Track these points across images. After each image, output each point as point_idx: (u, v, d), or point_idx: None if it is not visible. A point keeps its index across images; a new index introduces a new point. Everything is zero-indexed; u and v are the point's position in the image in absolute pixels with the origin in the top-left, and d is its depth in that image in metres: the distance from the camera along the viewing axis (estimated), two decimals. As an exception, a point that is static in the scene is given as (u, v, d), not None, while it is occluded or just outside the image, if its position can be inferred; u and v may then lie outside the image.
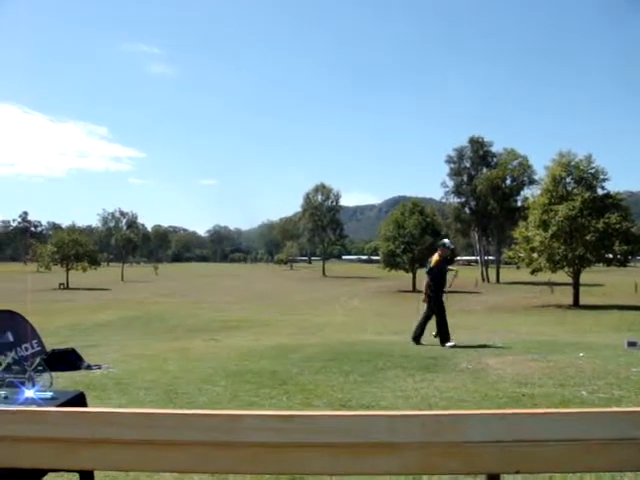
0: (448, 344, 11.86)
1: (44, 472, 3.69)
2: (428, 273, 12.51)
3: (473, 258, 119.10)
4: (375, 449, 2.41)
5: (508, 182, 73.76)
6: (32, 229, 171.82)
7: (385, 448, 2.40)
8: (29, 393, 3.60)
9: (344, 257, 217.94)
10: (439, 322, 12.17)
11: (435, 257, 12.60)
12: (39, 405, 3.32)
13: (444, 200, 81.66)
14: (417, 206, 64.30)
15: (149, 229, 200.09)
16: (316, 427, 2.41)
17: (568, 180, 37.65)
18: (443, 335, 12.08)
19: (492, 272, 77.18)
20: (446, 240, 13.53)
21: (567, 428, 2.39)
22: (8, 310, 10.96)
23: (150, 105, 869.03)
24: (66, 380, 8.70)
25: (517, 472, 2.49)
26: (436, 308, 12.15)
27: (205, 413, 2.59)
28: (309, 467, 2.51)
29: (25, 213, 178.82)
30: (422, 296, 12.64)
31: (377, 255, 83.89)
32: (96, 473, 4.16)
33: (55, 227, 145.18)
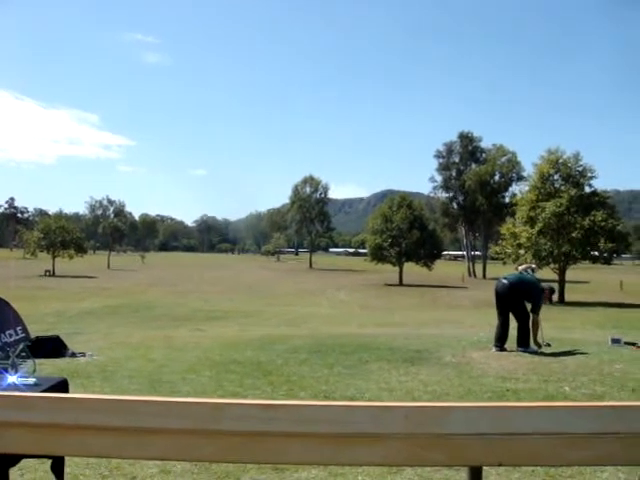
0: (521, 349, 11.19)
1: (19, 457, 3.69)
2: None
3: (460, 253, 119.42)
4: (358, 440, 2.40)
5: (497, 178, 73.92)
6: (19, 215, 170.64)
7: (368, 439, 2.40)
8: (12, 379, 3.58)
9: (331, 250, 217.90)
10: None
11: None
12: (22, 391, 3.29)
13: (432, 194, 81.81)
14: (405, 200, 64.29)
15: (137, 217, 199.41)
16: (299, 417, 2.41)
17: (556, 177, 37.83)
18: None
19: (479, 267, 77.49)
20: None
21: (550, 421, 2.40)
22: (-8, 296, 10.88)
23: (141, 93, 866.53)
24: (50, 367, 8.67)
25: (499, 464, 2.49)
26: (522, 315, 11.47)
27: (189, 401, 2.58)
28: (292, 456, 2.51)
29: (12, 199, 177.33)
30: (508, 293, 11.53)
31: (364, 248, 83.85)
32: (79, 459, 4.16)
33: (42, 213, 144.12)
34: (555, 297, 12.87)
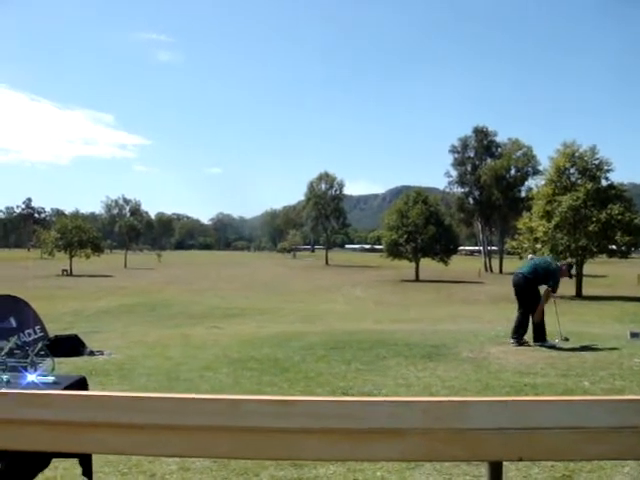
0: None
1: (48, 460, 3.73)
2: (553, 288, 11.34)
3: (476, 248, 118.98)
4: (376, 435, 2.39)
5: (512, 172, 73.47)
6: (36, 215, 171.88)
7: (386, 434, 2.39)
8: (31, 377, 3.60)
9: (347, 246, 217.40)
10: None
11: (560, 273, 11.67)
12: (41, 389, 3.31)
13: (448, 190, 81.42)
14: (421, 195, 64.09)
15: (153, 216, 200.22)
16: (317, 412, 2.40)
17: (572, 171, 37.56)
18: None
19: (495, 262, 77.10)
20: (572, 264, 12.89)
21: (570, 416, 2.38)
22: (11, 296, 10.98)
23: (156, 92, 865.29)
24: (69, 366, 8.71)
25: (520, 459, 2.48)
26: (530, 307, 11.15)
27: (206, 398, 2.59)
28: (310, 452, 2.51)
29: (29, 199, 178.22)
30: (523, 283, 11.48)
31: (380, 244, 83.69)
32: (98, 457, 4.17)
33: (59, 214, 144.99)
34: (574, 271, 12.70)
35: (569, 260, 13.15)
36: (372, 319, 21.85)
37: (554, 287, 11.21)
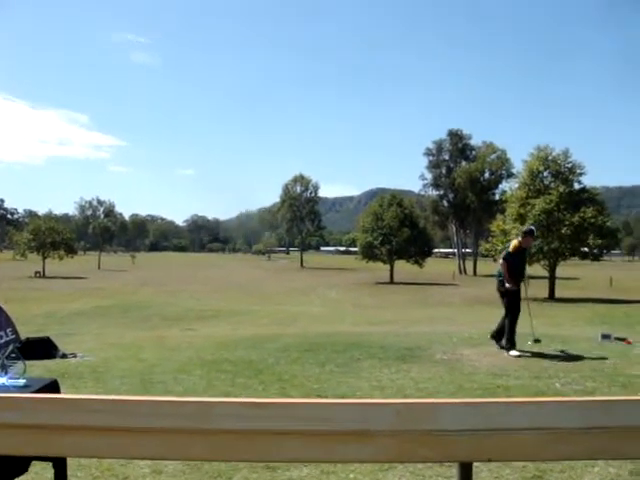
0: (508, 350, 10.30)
1: (27, 465, 3.68)
2: (505, 259, 10.74)
3: (450, 251, 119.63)
4: (348, 437, 2.41)
5: (486, 175, 74.09)
6: (8, 216, 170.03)
7: (358, 436, 2.41)
8: (1, 380, 3.56)
9: (322, 248, 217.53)
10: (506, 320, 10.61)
11: (514, 242, 11.10)
12: (12, 392, 3.28)
13: (422, 192, 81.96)
14: (395, 198, 64.34)
15: (127, 218, 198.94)
16: (290, 415, 2.41)
17: (545, 174, 37.93)
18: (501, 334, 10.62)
19: (469, 265, 77.62)
20: (532, 227, 12.27)
21: (540, 417, 2.41)
22: (-18, 298, 10.86)
23: (132, 93, 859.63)
24: (40, 369, 8.61)
25: (489, 460, 2.50)
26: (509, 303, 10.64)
27: (179, 400, 2.58)
28: (283, 455, 2.51)
29: (1, 200, 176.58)
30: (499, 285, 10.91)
31: (355, 247, 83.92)
32: (70, 461, 4.14)
33: (32, 215, 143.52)
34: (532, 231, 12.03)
35: (530, 227, 12.70)
36: (347, 321, 21.89)
37: (506, 256, 10.86)
